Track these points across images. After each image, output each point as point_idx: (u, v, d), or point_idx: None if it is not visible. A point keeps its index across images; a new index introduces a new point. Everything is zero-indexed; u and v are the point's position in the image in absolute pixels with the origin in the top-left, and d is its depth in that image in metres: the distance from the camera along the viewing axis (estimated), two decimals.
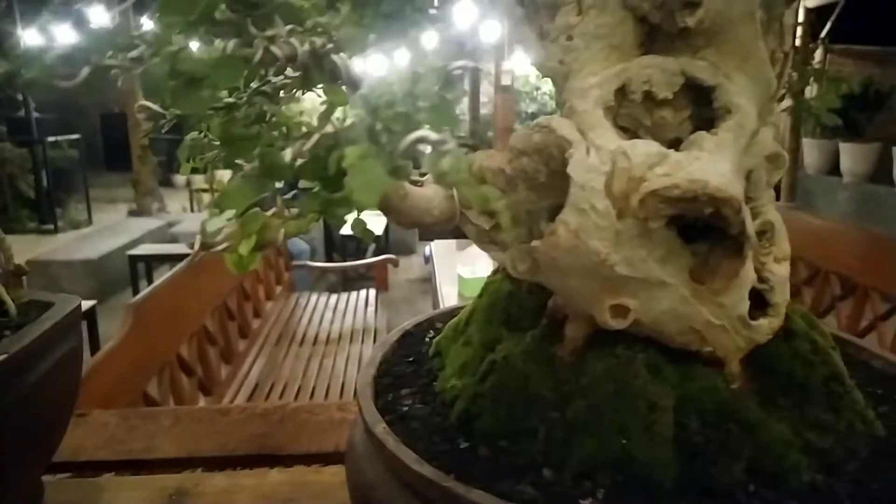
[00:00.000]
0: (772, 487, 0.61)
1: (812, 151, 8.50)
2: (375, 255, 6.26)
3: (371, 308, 5.01)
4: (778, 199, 6.92)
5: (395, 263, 5.47)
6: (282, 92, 0.50)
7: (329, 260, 7.45)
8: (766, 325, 0.65)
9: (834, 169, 8.27)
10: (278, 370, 3.75)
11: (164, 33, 0.40)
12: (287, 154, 0.38)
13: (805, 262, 4.18)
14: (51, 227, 8.08)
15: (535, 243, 0.57)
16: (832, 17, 6.78)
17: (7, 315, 0.75)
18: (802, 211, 8.32)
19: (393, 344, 0.90)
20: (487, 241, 0.63)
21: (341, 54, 0.45)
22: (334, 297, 5.22)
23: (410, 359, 0.86)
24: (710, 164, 0.52)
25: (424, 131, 0.36)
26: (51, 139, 8.44)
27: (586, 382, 0.64)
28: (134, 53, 0.40)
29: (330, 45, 0.40)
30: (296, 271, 5.45)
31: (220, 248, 0.45)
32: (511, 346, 0.69)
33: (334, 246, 7.66)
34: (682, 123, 0.61)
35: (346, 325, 4.59)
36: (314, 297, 5.14)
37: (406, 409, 0.75)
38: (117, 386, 2.13)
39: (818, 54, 8.48)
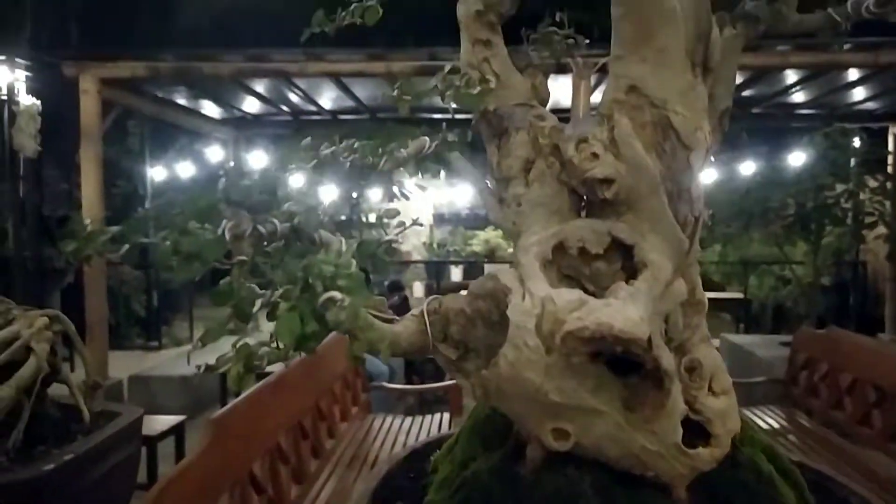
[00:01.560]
0: None
1: None
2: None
3: (445, 431, 5.01)
4: (882, 330, 6.47)
5: None
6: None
7: (409, 382, 7.54)
8: (708, 455, 0.71)
9: None
10: (349, 492, 3.77)
11: (180, 220, 0.58)
12: (258, 303, 0.53)
13: None
14: (155, 343, 8.73)
15: (483, 373, 0.68)
16: None
17: (82, 421, 0.93)
18: None
19: (400, 460, 1.00)
20: (455, 369, 0.75)
21: (322, 230, 0.62)
22: (408, 420, 5.26)
23: (412, 474, 0.95)
24: (617, 310, 0.63)
25: (332, 293, 0.51)
26: None
27: (539, 499, 0.72)
28: (162, 234, 0.58)
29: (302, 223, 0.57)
30: (373, 393, 5.56)
31: (221, 369, 0.60)
32: (482, 463, 0.78)
33: (413, 368, 7.77)
34: (616, 273, 0.72)
35: (432, 436, 4.57)
36: (389, 420, 5.20)
37: None
38: (190, 502, 2.24)
39: None
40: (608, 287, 0.72)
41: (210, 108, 8.15)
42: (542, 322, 0.65)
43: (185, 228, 0.56)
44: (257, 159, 9.10)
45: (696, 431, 0.71)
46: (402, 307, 8.22)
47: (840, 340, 4.94)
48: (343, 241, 0.67)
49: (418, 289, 11.61)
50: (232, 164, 8.92)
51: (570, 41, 1.22)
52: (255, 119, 8.78)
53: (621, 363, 0.70)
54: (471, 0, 1.04)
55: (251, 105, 8.08)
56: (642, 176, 0.67)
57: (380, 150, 0.78)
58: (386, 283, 8.12)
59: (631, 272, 0.72)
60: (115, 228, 0.60)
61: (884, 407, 4.06)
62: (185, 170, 9.42)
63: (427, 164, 0.80)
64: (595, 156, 0.67)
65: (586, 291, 0.72)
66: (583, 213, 0.75)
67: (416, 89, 0.95)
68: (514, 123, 0.80)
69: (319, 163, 0.84)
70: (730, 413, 0.71)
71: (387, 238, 0.66)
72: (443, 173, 0.92)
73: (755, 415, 4.80)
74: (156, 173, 9.40)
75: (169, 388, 6.33)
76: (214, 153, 9.02)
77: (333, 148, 0.78)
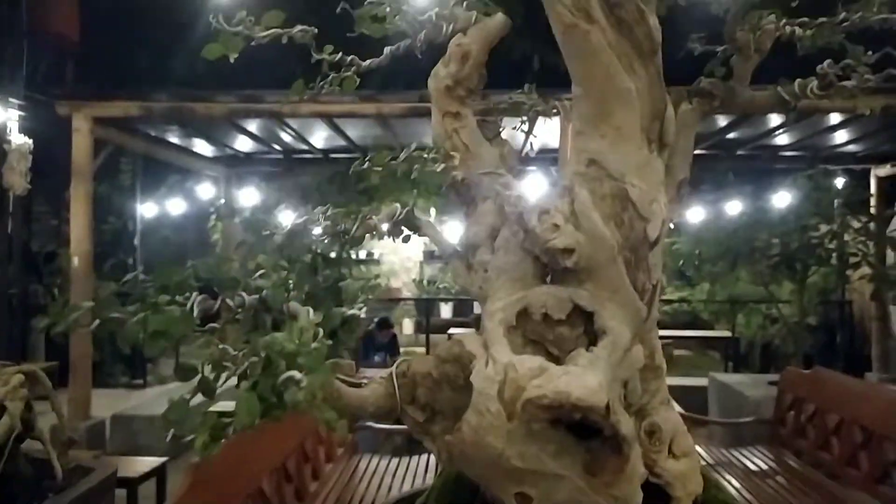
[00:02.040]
0: None
1: None
2: None
3: (431, 474, 4.94)
4: (870, 370, 6.52)
5: None
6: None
7: (397, 422, 7.45)
8: None
9: None
10: None
11: (153, 295, 0.60)
12: (221, 379, 0.56)
13: (893, 441, 3.91)
14: (140, 381, 8.63)
15: (447, 438, 0.70)
16: None
17: (55, 478, 0.93)
18: None
19: None
20: (422, 432, 0.77)
21: (291, 302, 0.64)
22: (395, 460, 5.19)
23: None
24: (576, 378, 0.65)
25: (292, 372, 0.53)
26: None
27: None
28: (131, 308, 0.60)
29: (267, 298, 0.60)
30: (360, 433, 5.49)
31: (187, 438, 0.61)
32: None
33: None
34: (579, 338, 0.74)
35: (404, 491, 4.53)
36: (375, 461, 5.12)
37: None
38: None
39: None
40: (571, 351, 0.75)
41: (202, 146, 8.21)
42: (504, 388, 0.67)
43: (156, 303, 0.58)
44: (248, 196, 9.14)
45: (658, 494, 0.72)
46: (391, 345, 8.17)
47: (826, 381, 4.95)
48: (311, 310, 0.70)
49: (408, 325, 11.58)
50: (223, 201, 8.95)
51: (539, 109, 1.28)
52: (247, 157, 8.85)
53: (582, 427, 0.72)
54: (441, 75, 1.09)
55: (243, 143, 8.15)
56: (601, 246, 0.70)
57: (352, 216, 0.81)
58: (375, 320, 8.10)
59: (593, 337, 0.75)
60: (88, 304, 0.62)
61: (870, 448, 4.06)
62: (176, 206, 9.45)
63: (399, 228, 0.83)
64: (556, 226, 0.71)
65: (550, 355, 0.75)
66: (548, 280, 0.78)
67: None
68: (481, 192, 0.84)
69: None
70: (690, 475, 0.73)
71: (350, 312, 0.69)
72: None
73: (744, 455, 4.78)
74: (146, 209, 9.42)
75: (152, 428, 6.24)
76: (206, 190, 9.07)
77: (306, 217, 0.81)
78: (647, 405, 0.75)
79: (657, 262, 0.74)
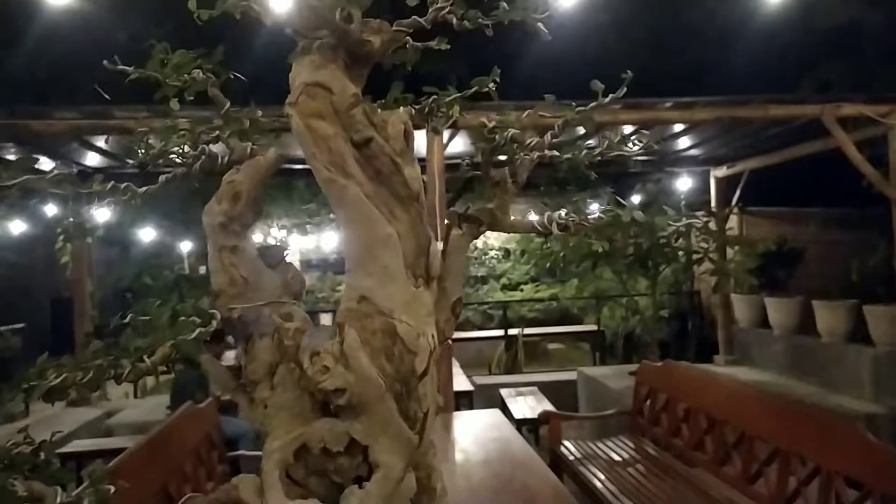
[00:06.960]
0: None
1: (741, 306, 8.93)
2: None
3: None
4: (717, 352, 7.09)
5: None
6: None
7: None
8: None
9: (764, 322, 8.64)
10: None
11: None
12: None
13: (731, 426, 4.32)
14: None
15: None
16: (739, 186, 7.50)
17: None
18: (740, 365, 8.58)
19: None
20: None
21: None
22: None
23: None
24: None
25: None
26: None
27: None
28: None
29: None
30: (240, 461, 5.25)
31: None
32: None
33: None
34: (359, 465, 0.78)
35: None
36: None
37: None
38: None
39: (734, 219, 9.08)
40: (354, 478, 0.78)
41: (45, 164, 7.57)
42: None
43: None
44: (101, 215, 8.52)
45: None
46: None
47: (675, 372, 5.38)
48: None
49: None
50: (71, 220, 8.26)
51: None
52: (98, 173, 8.24)
53: None
54: (214, 211, 1.09)
55: (93, 159, 7.60)
56: (369, 385, 0.73)
57: None
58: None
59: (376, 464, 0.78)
60: None
61: (714, 433, 4.46)
62: (17, 227, 8.68)
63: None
64: (326, 368, 0.74)
65: (334, 483, 0.78)
66: (332, 409, 0.81)
67: None
68: (259, 328, 0.86)
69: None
70: None
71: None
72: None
73: (608, 446, 5.12)
74: None
75: None
76: (52, 209, 8.38)
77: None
78: None
79: (427, 392, 0.79)
